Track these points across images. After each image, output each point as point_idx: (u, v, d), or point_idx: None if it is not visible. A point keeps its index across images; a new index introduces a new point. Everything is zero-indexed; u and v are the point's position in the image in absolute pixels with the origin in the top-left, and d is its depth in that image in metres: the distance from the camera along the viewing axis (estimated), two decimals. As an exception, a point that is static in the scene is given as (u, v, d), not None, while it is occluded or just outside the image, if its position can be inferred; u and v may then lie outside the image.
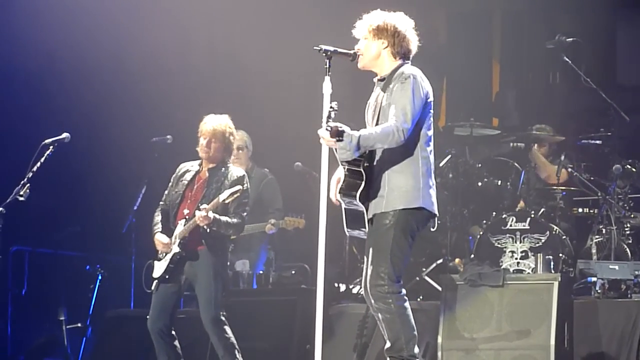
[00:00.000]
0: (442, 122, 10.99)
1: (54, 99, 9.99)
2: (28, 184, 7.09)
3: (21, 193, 7.06)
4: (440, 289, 8.23)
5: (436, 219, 5.97)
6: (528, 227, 8.65)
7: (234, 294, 8.26)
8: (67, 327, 9.41)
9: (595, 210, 8.85)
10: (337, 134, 5.61)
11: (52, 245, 10.10)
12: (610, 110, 8.90)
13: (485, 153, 9.60)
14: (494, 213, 9.00)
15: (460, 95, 11.22)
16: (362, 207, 5.79)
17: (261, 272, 8.98)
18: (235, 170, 7.48)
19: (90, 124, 9.92)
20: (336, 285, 9.04)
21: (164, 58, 10.35)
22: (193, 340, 7.87)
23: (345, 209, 5.87)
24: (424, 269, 9.19)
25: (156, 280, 7.32)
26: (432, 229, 6.08)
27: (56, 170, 7.68)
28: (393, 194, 5.76)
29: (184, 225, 7.27)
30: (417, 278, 9.12)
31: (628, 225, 8.63)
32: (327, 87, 5.79)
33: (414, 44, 5.94)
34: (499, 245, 8.67)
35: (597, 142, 9.08)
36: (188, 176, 7.48)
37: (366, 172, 5.78)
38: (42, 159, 7.21)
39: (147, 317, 7.31)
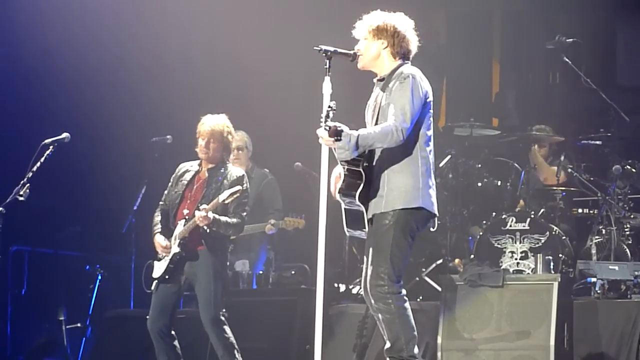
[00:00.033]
0: (442, 122, 10.99)
1: (54, 98, 9.99)
2: (28, 184, 7.09)
3: (21, 193, 7.06)
4: (440, 289, 8.23)
5: (436, 219, 5.96)
6: (528, 228, 8.65)
7: (234, 294, 8.26)
8: (67, 327, 9.41)
9: (595, 211, 8.85)
10: (336, 134, 5.61)
11: (52, 245, 10.11)
12: (610, 111, 8.90)
13: (484, 153, 9.60)
14: (494, 213, 8.99)
15: (460, 96, 11.22)
16: (361, 207, 5.79)
17: (261, 272, 8.98)
18: (235, 170, 7.48)
19: (90, 123, 9.92)
20: (336, 285, 9.04)
21: (164, 58, 10.36)
22: (193, 341, 7.87)
23: (345, 209, 5.88)
24: (424, 270, 9.19)
25: (156, 281, 7.32)
26: (432, 229, 6.08)
27: (56, 170, 7.67)
28: (392, 193, 5.76)
29: (184, 225, 7.27)
30: (417, 278, 9.12)
31: (628, 225, 8.62)
32: (327, 87, 5.79)
33: (413, 44, 5.94)
34: (499, 246, 8.67)
35: (597, 142, 9.08)
36: (187, 176, 7.48)
37: (365, 172, 5.78)
38: (42, 159, 7.20)
39: (147, 317, 7.30)
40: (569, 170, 8.99)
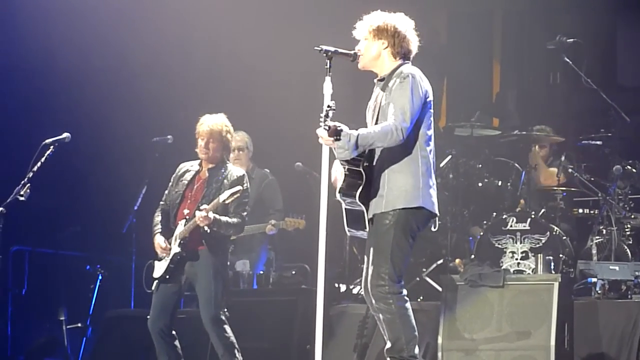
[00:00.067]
0: (442, 122, 10.99)
1: (55, 98, 9.99)
2: (28, 184, 7.08)
3: (22, 193, 7.05)
4: (440, 289, 8.24)
5: (437, 219, 5.96)
6: (528, 228, 8.65)
7: (234, 294, 8.27)
8: (67, 327, 9.42)
9: (596, 211, 8.85)
10: (335, 133, 5.61)
11: (53, 245, 10.10)
12: (611, 111, 8.89)
13: (485, 154, 9.60)
14: (495, 214, 8.99)
15: (461, 96, 11.22)
16: (362, 207, 5.79)
17: (261, 272, 8.98)
18: (235, 170, 7.48)
19: (91, 123, 9.93)
20: (336, 285, 9.04)
21: (165, 58, 10.37)
22: (193, 340, 7.86)
23: (345, 209, 5.88)
24: (424, 270, 9.19)
25: (156, 280, 7.32)
26: (433, 229, 6.08)
27: (57, 170, 7.67)
28: (392, 193, 5.76)
29: (184, 225, 7.27)
30: (418, 278, 9.12)
31: (628, 226, 8.62)
32: (327, 87, 5.79)
33: (414, 44, 5.94)
34: (499, 246, 8.67)
35: (598, 142, 9.07)
36: (188, 176, 7.48)
37: (366, 172, 5.78)
38: (43, 159, 7.20)
39: (148, 317, 7.31)
40: (570, 170, 8.99)
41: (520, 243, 8.61)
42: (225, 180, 7.35)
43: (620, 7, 10.57)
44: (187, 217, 7.28)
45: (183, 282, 7.32)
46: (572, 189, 9.13)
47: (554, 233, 8.59)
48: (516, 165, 9.37)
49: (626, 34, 10.71)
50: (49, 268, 10.13)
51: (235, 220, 7.29)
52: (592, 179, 9.00)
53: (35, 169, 7.14)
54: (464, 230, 9.39)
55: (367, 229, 5.83)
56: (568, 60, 8.90)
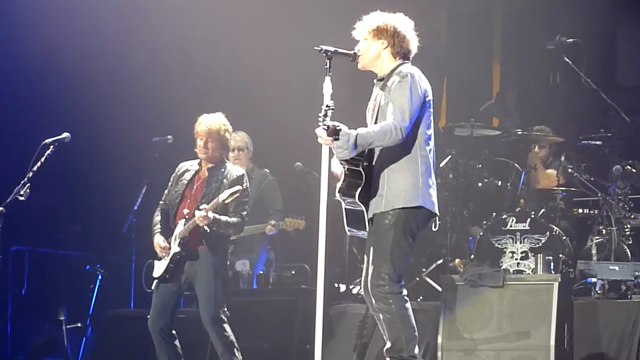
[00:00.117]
0: (442, 122, 10.99)
1: (55, 97, 10.00)
2: (28, 184, 7.08)
3: (21, 193, 7.05)
4: (440, 289, 8.24)
5: (437, 218, 5.96)
6: (528, 228, 8.65)
7: (234, 294, 8.26)
8: (67, 327, 9.41)
9: (596, 211, 8.85)
10: (334, 133, 5.61)
11: (53, 245, 10.11)
12: (611, 111, 8.89)
13: (485, 154, 9.60)
14: (494, 213, 8.99)
15: (461, 96, 11.22)
16: (362, 207, 5.79)
17: (261, 272, 8.97)
18: (235, 169, 7.48)
19: (91, 123, 9.94)
20: (336, 285, 9.04)
21: (165, 58, 10.37)
22: (193, 340, 7.87)
23: (345, 208, 5.88)
24: (424, 270, 9.18)
25: (156, 280, 7.33)
26: (433, 229, 6.07)
27: (57, 169, 7.68)
28: (392, 193, 5.76)
29: (184, 225, 7.27)
30: (417, 278, 9.12)
31: (628, 226, 8.62)
32: (327, 87, 5.79)
33: (413, 44, 5.94)
34: (499, 246, 8.67)
35: (598, 143, 9.07)
36: (187, 176, 7.48)
37: (365, 172, 5.78)
38: (43, 159, 7.20)
39: (148, 316, 7.31)
40: (570, 170, 8.99)
41: (520, 243, 8.62)
42: (224, 180, 7.35)
43: (620, 7, 10.57)
44: (187, 216, 7.28)
45: (183, 282, 7.33)
46: (572, 189, 9.13)
47: (554, 233, 8.59)
48: (516, 165, 9.36)
49: (626, 34, 10.72)
50: (48, 268, 10.13)
51: (235, 219, 7.29)
52: (592, 179, 8.99)
53: (35, 168, 7.14)
54: (464, 230, 9.39)
55: (367, 229, 5.83)
56: (568, 60, 8.90)
